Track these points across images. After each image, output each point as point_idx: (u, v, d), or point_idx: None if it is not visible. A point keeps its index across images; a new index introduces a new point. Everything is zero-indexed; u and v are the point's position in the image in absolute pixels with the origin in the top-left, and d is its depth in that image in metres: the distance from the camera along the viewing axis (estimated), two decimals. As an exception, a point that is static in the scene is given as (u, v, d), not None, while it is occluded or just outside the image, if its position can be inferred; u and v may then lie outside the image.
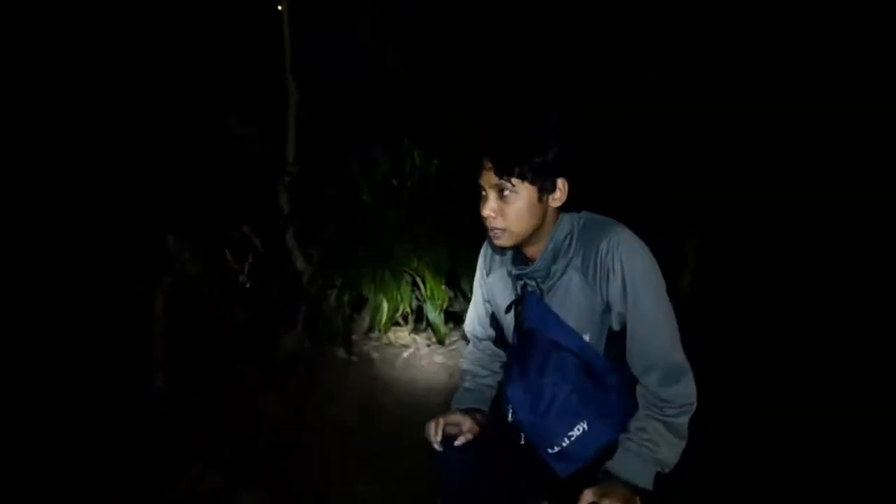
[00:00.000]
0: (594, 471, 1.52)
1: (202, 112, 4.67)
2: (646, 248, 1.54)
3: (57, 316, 3.83)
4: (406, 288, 4.01)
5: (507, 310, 1.68)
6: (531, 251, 1.61)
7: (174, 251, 4.01)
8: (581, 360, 1.55)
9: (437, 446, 1.67)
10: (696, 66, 4.09)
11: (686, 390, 1.51)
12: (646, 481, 1.47)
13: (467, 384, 1.85)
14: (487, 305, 1.82)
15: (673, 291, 1.57)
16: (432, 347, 4.08)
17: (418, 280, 4.00)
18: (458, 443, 1.66)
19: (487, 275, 1.77)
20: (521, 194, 1.51)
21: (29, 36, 4.18)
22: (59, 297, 3.98)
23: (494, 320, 1.80)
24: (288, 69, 4.53)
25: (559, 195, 1.55)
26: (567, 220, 1.59)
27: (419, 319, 4.24)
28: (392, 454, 2.88)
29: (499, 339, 1.82)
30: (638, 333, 1.52)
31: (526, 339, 1.63)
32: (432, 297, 3.97)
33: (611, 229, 1.54)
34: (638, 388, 1.55)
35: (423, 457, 1.72)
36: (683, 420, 1.51)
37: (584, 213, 1.62)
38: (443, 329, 4.04)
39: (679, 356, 1.52)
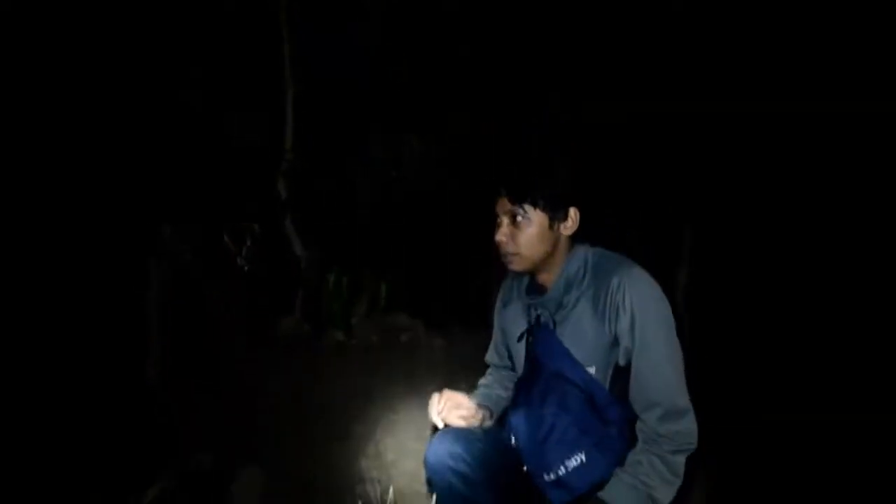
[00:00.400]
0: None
1: (201, 106, 4.66)
2: (657, 288, 1.58)
3: (52, 306, 3.82)
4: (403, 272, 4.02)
5: (520, 339, 1.72)
6: (544, 279, 1.66)
7: (170, 237, 4.00)
8: (584, 392, 1.58)
9: (437, 420, 1.68)
10: (694, 67, 4.10)
11: (686, 428, 1.52)
12: None
13: (479, 388, 1.88)
14: (502, 336, 1.85)
15: (670, 288, 1.59)
16: (432, 331, 4.09)
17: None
18: (454, 423, 1.67)
19: (504, 307, 1.84)
20: (534, 221, 1.57)
21: (28, 32, 4.16)
22: (54, 286, 3.97)
23: (509, 350, 1.83)
24: (286, 60, 4.52)
25: (570, 224, 1.60)
26: (581, 252, 1.64)
27: (417, 303, 4.25)
28: (391, 437, 2.89)
29: (514, 370, 1.84)
30: (642, 371, 1.54)
31: (533, 368, 1.67)
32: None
33: (623, 266, 1.58)
34: (638, 423, 1.57)
35: (419, 438, 1.72)
36: (681, 458, 1.53)
37: (597, 248, 1.67)
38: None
39: (682, 398, 1.54)
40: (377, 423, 3.08)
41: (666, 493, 1.52)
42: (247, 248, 4.25)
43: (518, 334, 1.73)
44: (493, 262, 4.30)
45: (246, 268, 4.17)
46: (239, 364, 3.59)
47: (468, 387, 1.77)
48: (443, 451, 1.66)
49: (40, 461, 2.71)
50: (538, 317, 1.68)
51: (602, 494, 1.52)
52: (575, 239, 1.64)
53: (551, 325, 1.64)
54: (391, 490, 1.82)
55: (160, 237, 4.01)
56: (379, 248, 4.29)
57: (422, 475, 1.82)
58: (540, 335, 1.67)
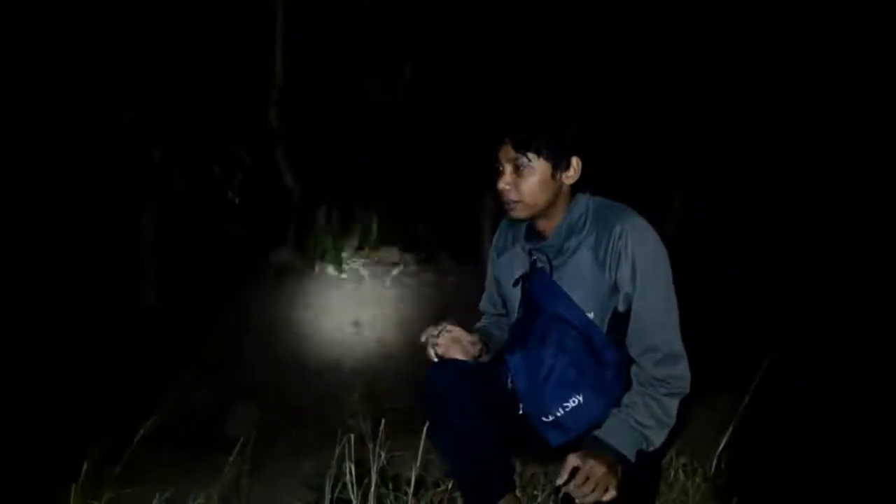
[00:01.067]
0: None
1: (193, 35, 4.54)
2: (657, 237, 1.58)
3: (46, 234, 3.79)
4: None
5: (515, 283, 1.72)
6: (544, 225, 1.65)
7: (161, 166, 3.95)
8: (582, 334, 1.59)
9: (432, 353, 1.67)
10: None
11: (681, 373, 1.55)
12: (630, 452, 1.52)
13: (476, 327, 1.88)
14: (497, 284, 1.84)
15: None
16: (423, 265, 4.10)
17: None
18: (451, 356, 1.66)
19: (500, 255, 1.82)
20: (536, 169, 1.56)
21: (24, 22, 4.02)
22: (48, 214, 3.94)
23: (504, 298, 1.82)
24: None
25: (572, 173, 1.60)
26: (582, 200, 1.63)
27: (408, 237, 4.25)
28: (380, 368, 2.92)
29: (508, 317, 1.84)
30: (641, 316, 1.56)
31: (530, 311, 1.67)
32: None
33: (626, 214, 1.59)
34: (634, 367, 1.58)
35: (410, 370, 1.73)
36: (674, 402, 1.55)
37: (598, 197, 1.66)
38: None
39: (678, 343, 1.57)
40: (369, 355, 3.11)
41: (659, 434, 1.56)
42: (237, 180, 4.21)
43: (513, 280, 1.73)
44: (483, 198, 4.33)
45: (236, 200, 4.14)
46: (231, 295, 3.60)
47: (456, 321, 1.75)
48: (440, 384, 1.67)
49: (35, 397, 2.72)
50: (534, 262, 1.68)
51: (598, 433, 1.55)
52: (576, 188, 1.63)
53: (548, 270, 1.65)
54: (382, 423, 1.84)
55: (152, 163, 3.96)
56: (371, 182, 4.26)
57: (413, 409, 1.84)
58: (537, 279, 1.67)
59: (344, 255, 4.09)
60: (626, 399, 1.57)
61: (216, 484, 1.80)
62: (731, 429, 2.05)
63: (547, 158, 1.57)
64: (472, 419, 1.65)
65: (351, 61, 4.28)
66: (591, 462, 1.47)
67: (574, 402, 1.57)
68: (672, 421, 1.57)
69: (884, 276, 3.29)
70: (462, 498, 1.80)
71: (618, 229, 1.56)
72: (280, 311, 3.54)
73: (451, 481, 1.90)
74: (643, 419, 1.55)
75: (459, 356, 1.69)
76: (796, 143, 4.04)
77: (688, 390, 1.57)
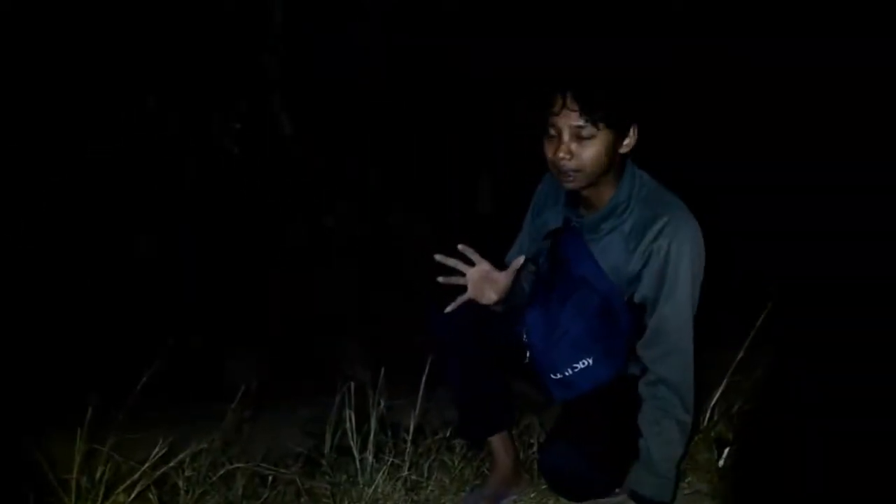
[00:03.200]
0: (587, 398, 1.60)
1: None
2: (698, 239, 1.52)
3: (41, 182, 3.76)
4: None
5: (546, 237, 1.68)
6: (590, 194, 1.57)
7: (155, 112, 3.90)
8: (603, 300, 1.57)
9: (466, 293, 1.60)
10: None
11: (684, 372, 1.54)
12: (667, 493, 1.58)
13: None
14: (530, 242, 1.79)
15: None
16: (420, 217, 4.09)
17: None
18: (483, 299, 1.61)
19: (538, 214, 1.74)
20: (601, 138, 1.46)
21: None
22: (41, 162, 3.90)
23: (535, 254, 1.78)
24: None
25: (629, 141, 1.52)
26: (628, 182, 1.56)
27: (406, 189, 4.23)
28: (380, 320, 2.93)
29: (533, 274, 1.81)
30: (659, 319, 1.53)
31: (557, 268, 1.65)
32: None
33: (671, 211, 1.52)
34: (646, 389, 1.57)
35: (410, 324, 1.75)
36: (682, 424, 1.55)
37: (646, 179, 1.59)
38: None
39: (689, 343, 1.54)
40: (366, 305, 3.13)
41: (681, 446, 1.57)
42: (234, 129, 4.16)
43: (545, 234, 1.70)
44: (482, 152, 4.31)
45: (235, 151, 4.10)
46: (226, 244, 3.59)
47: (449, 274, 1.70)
48: (453, 327, 1.67)
49: (36, 345, 2.72)
50: (568, 219, 1.65)
51: (632, 486, 1.60)
52: (626, 157, 1.57)
53: (580, 231, 1.62)
54: (382, 372, 1.86)
55: (145, 108, 3.90)
56: (368, 133, 4.22)
57: (411, 357, 1.86)
58: (568, 238, 1.64)
59: (341, 206, 4.08)
60: (641, 442, 1.58)
61: (218, 430, 1.83)
62: (724, 382, 2.07)
63: (613, 126, 1.48)
64: (474, 353, 1.68)
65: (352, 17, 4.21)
66: None
67: (584, 363, 1.59)
68: (688, 426, 1.57)
69: (884, 276, 3.29)
70: (460, 426, 1.82)
71: (657, 227, 1.51)
72: (275, 261, 3.54)
73: (450, 429, 1.94)
74: (662, 452, 1.56)
75: (492, 299, 1.63)
76: (796, 143, 4.02)
77: (690, 413, 1.57)
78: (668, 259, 1.50)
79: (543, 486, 1.77)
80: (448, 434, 1.93)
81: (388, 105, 4.14)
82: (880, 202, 3.65)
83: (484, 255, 1.61)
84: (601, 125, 1.46)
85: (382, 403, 1.81)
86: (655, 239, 1.51)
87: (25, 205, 3.53)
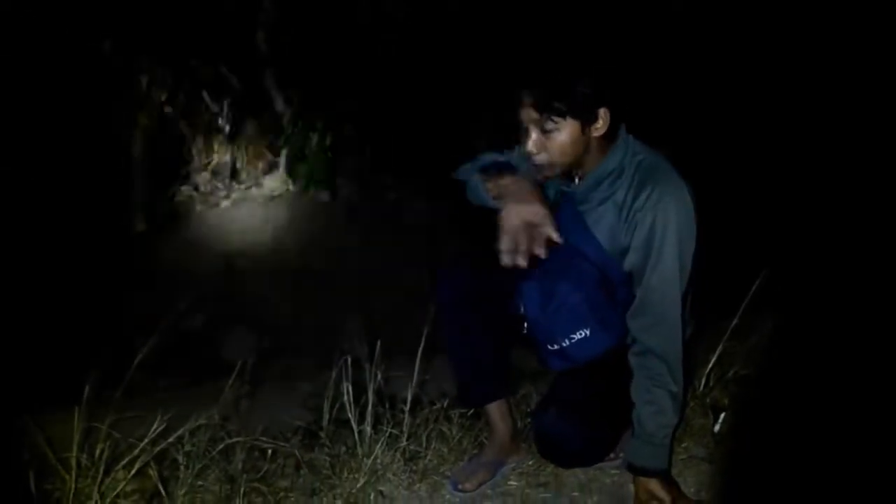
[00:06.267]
0: (583, 369, 1.60)
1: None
2: (686, 210, 1.51)
3: (34, 157, 3.74)
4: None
5: None
6: (578, 173, 1.58)
7: (148, 90, 3.88)
8: (599, 271, 1.58)
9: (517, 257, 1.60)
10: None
11: (674, 342, 1.55)
12: (662, 461, 1.59)
13: None
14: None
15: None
16: (416, 190, 4.08)
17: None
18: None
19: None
20: (564, 129, 1.47)
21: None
22: (36, 142, 3.87)
23: None
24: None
25: (601, 125, 1.50)
26: (619, 152, 1.55)
27: (402, 162, 4.21)
28: (377, 293, 2.93)
29: None
30: (646, 289, 1.54)
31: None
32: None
33: (662, 179, 1.52)
34: (635, 360, 1.58)
35: (408, 298, 1.74)
36: (672, 393, 1.55)
37: (643, 151, 1.57)
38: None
39: (677, 313, 1.54)
40: (364, 279, 3.13)
41: (674, 414, 1.57)
42: (226, 104, 4.14)
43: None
44: (473, 124, 4.28)
45: (227, 129, 4.09)
46: (222, 219, 3.59)
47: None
48: (457, 295, 1.68)
49: (33, 323, 2.72)
50: (562, 191, 1.65)
51: (629, 457, 1.60)
52: (610, 135, 1.55)
53: (575, 203, 1.62)
54: (378, 345, 1.87)
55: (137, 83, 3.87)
56: (364, 107, 4.19)
57: (408, 329, 1.86)
58: (564, 207, 1.64)
59: (337, 180, 4.07)
60: (633, 412, 1.58)
61: (216, 406, 1.84)
62: (719, 348, 2.08)
63: (574, 117, 1.48)
64: (475, 320, 1.68)
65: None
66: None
67: (581, 334, 1.58)
68: (679, 394, 1.58)
69: (884, 277, 3.29)
70: (459, 392, 1.83)
71: (644, 196, 1.50)
72: (273, 235, 3.54)
73: (447, 400, 1.95)
74: (655, 422, 1.57)
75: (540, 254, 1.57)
76: (796, 143, 4.02)
77: (680, 383, 1.57)
78: (654, 229, 1.51)
79: (541, 455, 1.78)
80: (446, 404, 1.94)
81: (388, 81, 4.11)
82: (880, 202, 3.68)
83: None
84: (561, 117, 1.47)
85: (379, 376, 1.82)
86: (642, 208, 1.51)
87: (23, 178, 3.51)
